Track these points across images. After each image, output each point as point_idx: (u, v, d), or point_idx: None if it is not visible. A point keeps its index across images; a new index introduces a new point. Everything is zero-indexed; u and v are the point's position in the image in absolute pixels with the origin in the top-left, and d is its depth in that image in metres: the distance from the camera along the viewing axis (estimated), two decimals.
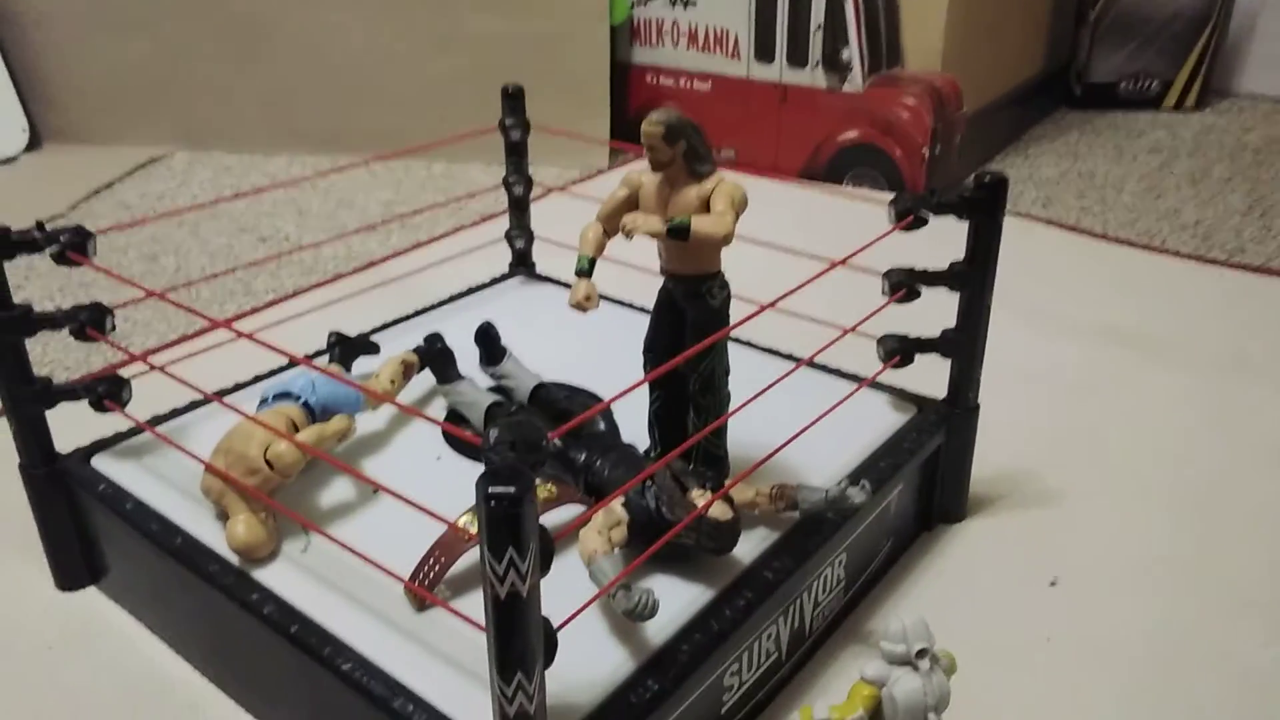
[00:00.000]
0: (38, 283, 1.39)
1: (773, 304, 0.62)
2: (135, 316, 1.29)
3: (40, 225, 0.70)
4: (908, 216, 0.75)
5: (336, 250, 1.51)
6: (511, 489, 0.40)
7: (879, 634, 0.58)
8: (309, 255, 1.49)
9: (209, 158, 1.93)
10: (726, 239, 0.60)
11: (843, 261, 0.68)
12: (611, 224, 0.65)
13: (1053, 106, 2.24)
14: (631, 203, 0.65)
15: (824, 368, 0.90)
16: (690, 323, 0.67)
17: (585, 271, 0.64)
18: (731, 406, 0.70)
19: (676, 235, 0.59)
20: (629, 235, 0.60)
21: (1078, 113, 2.22)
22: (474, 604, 0.61)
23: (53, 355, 1.17)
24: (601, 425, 0.75)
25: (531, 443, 0.45)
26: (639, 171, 0.65)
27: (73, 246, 0.70)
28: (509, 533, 0.41)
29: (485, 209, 1.65)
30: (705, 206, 0.61)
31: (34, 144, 1.97)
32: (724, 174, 0.63)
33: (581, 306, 0.64)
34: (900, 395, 0.86)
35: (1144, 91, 2.20)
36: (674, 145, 0.61)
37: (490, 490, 0.40)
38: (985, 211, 0.75)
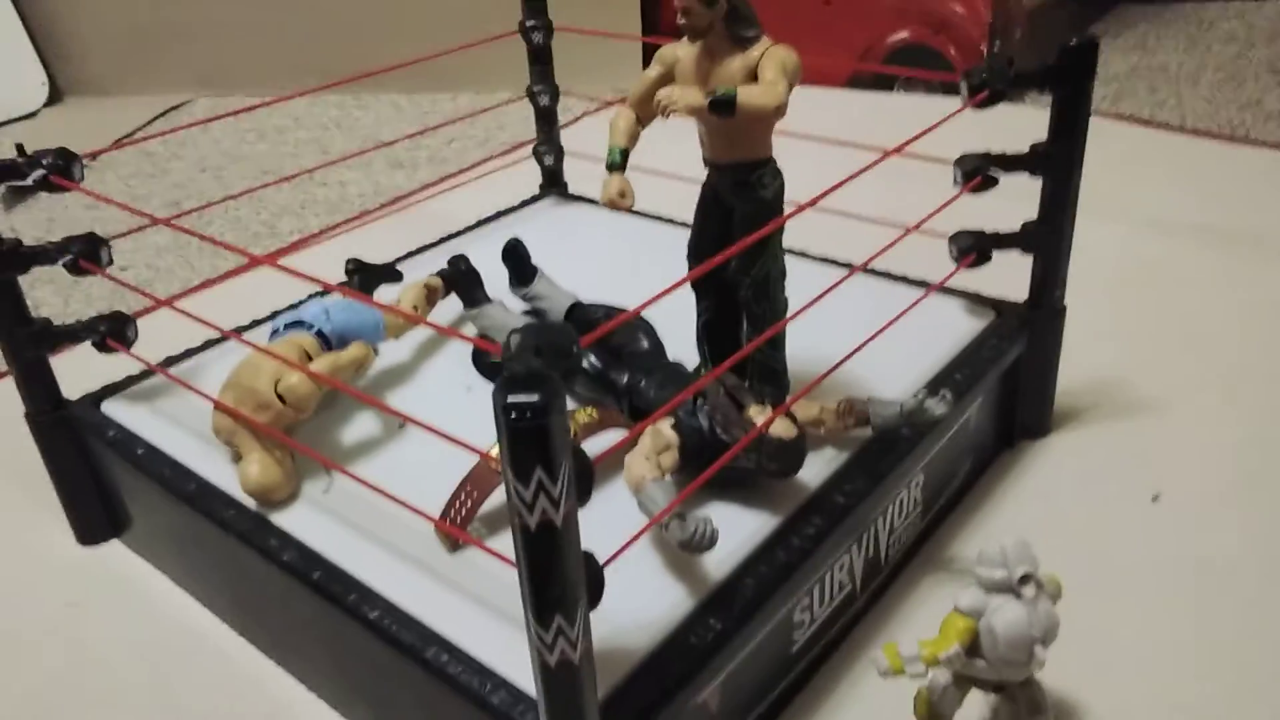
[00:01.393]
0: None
1: (830, 191, 0.53)
2: (158, 264, 1.24)
3: (20, 149, 0.64)
4: (981, 91, 0.65)
5: (363, 188, 1.44)
6: (534, 397, 0.33)
7: (972, 559, 0.51)
8: (334, 193, 1.43)
9: (230, 103, 1.87)
10: (779, 111, 0.51)
11: (906, 145, 0.59)
12: (645, 109, 0.57)
13: (1115, 1, 2.09)
14: (666, 81, 0.57)
15: (889, 274, 0.82)
16: (739, 219, 0.59)
17: (617, 165, 0.57)
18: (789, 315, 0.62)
19: (720, 109, 0.51)
20: (665, 113, 0.52)
21: (1142, 5, 2.07)
22: (510, 542, 0.56)
23: (74, 309, 1.13)
24: (645, 343, 0.68)
25: (560, 348, 0.38)
26: (673, 45, 0.57)
27: (57, 170, 0.63)
28: (534, 450, 0.34)
29: (514, 137, 1.57)
30: (752, 78, 0.53)
31: (54, 98, 1.93)
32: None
33: (615, 204, 0.56)
34: (975, 299, 0.78)
35: None
36: (713, 7, 0.52)
37: (509, 400, 0.33)
38: (1073, 82, 0.65)
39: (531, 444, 0.34)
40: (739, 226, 0.58)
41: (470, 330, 0.78)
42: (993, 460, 0.78)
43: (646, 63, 0.59)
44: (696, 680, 0.50)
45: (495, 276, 0.80)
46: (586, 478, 0.39)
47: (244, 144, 1.66)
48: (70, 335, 0.69)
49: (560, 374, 0.36)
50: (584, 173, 1.04)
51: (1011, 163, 0.68)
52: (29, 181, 0.63)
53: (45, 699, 0.63)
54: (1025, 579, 0.49)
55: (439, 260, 0.82)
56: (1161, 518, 0.71)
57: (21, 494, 0.82)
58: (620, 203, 0.56)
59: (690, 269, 0.63)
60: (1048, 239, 0.71)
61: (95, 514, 0.75)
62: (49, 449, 0.72)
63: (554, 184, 1.04)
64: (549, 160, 1.01)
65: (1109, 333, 0.92)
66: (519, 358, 0.37)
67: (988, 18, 1.54)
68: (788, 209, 0.58)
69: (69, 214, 1.40)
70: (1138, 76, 1.66)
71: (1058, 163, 0.68)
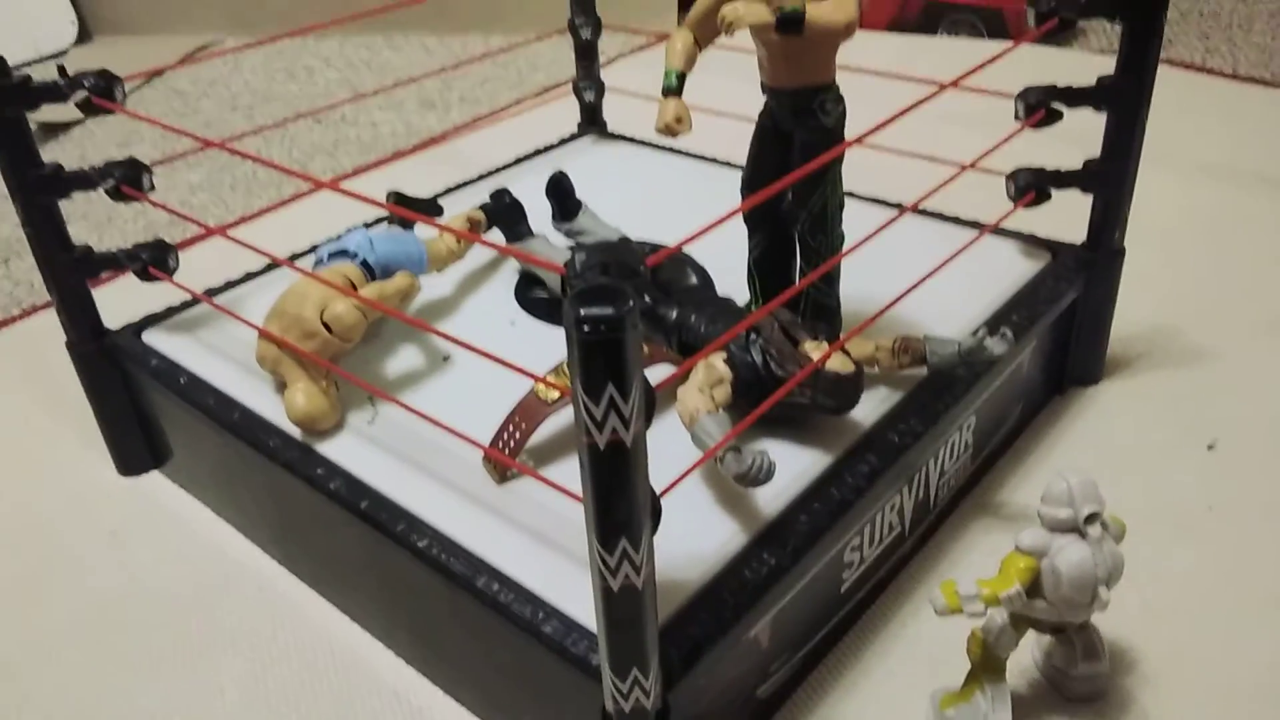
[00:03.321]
0: None
1: (890, 121, 0.51)
2: (191, 201, 1.23)
3: (62, 69, 0.62)
4: (1050, 19, 0.63)
5: (395, 128, 1.42)
6: (609, 310, 0.32)
7: (1023, 504, 0.50)
8: (367, 134, 1.41)
9: (258, 39, 1.84)
10: (849, 29, 0.49)
11: (964, 78, 0.56)
12: (704, 30, 0.55)
13: None
14: None
15: (944, 215, 0.79)
16: (798, 147, 0.57)
17: (674, 89, 0.55)
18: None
19: (787, 28, 0.48)
20: (729, 30, 0.50)
21: None
22: (560, 473, 0.55)
23: (109, 244, 1.12)
24: (693, 279, 0.66)
25: (628, 266, 0.36)
26: None
27: (99, 92, 0.62)
28: (608, 366, 0.33)
29: (548, 78, 1.54)
30: None
31: (84, 37, 1.91)
32: None
33: (672, 130, 0.54)
34: (1031, 240, 0.75)
35: None
36: None
37: (583, 313, 0.32)
38: (1144, 10, 0.63)
39: (605, 359, 0.33)
40: (798, 155, 0.57)
41: (512, 265, 0.77)
42: (1043, 407, 0.76)
43: (684, 1, 0.56)
44: (750, 615, 0.49)
45: (536, 214, 0.78)
46: (650, 402, 0.38)
47: (274, 84, 1.64)
48: (112, 262, 0.68)
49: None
50: (622, 114, 1.02)
51: (1077, 96, 0.66)
52: (71, 104, 0.62)
53: (89, 625, 0.64)
54: (1091, 518, 0.48)
55: (477, 197, 0.81)
56: (1218, 465, 0.70)
57: (62, 424, 0.82)
58: (677, 128, 0.54)
59: (744, 201, 0.61)
60: (1111, 177, 0.69)
61: (136, 445, 0.75)
62: (90, 379, 0.72)
63: (593, 122, 1.02)
64: (589, 96, 0.99)
65: (1161, 280, 0.89)
66: (586, 275, 0.36)
67: None
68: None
69: (100, 151, 1.39)
70: (1188, 22, 1.61)
71: (1126, 96, 0.66)
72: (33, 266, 1.03)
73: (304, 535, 0.64)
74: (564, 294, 0.68)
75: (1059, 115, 0.66)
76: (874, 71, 0.78)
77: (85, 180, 0.65)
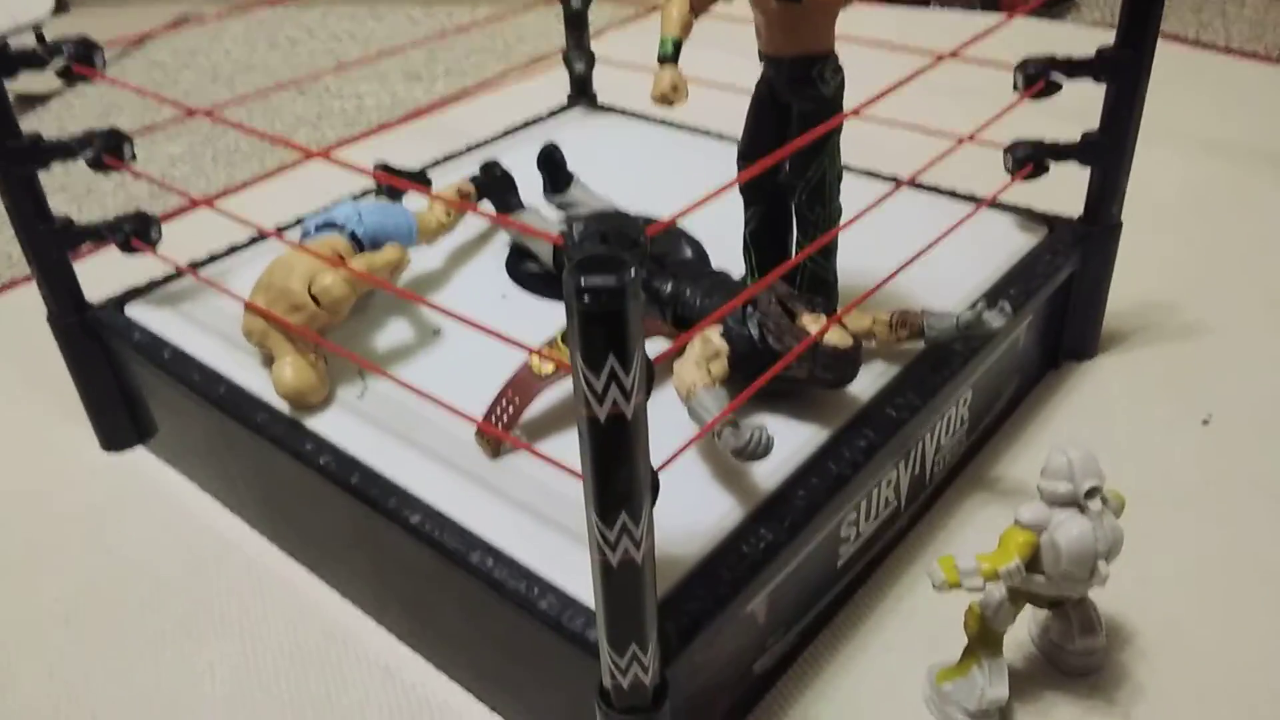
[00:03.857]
0: None
1: (890, 90, 0.50)
2: (172, 173, 1.21)
3: (40, 36, 0.60)
4: None
5: (380, 100, 1.40)
6: (611, 279, 0.31)
7: (1019, 479, 0.49)
8: (351, 106, 1.39)
9: (240, 12, 1.81)
10: None
11: (964, 48, 0.56)
12: None
13: None
14: None
15: (940, 189, 0.79)
16: (796, 116, 0.56)
17: (670, 57, 0.54)
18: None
19: None
20: None
21: None
22: (554, 448, 0.54)
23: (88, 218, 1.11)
24: (688, 252, 0.65)
25: (627, 236, 0.35)
26: None
27: (78, 58, 0.60)
28: (610, 337, 0.32)
29: (536, 50, 1.52)
30: None
31: (62, 7, 1.87)
32: None
33: (667, 99, 0.53)
34: (1027, 214, 0.75)
35: None
36: None
37: (584, 282, 0.31)
38: None
39: (606, 330, 0.32)
40: (796, 126, 0.56)
41: (503, 238, 0.76)
42: (1037, 382, 0.76)
43: None
44: (747, 590, 0.48)
45: (526, 187, 0.77)
46: (650, 375, 0.37)
47: (256, 54, 1.61)
48: (93, 234, 0.67)
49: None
50: (612, 85, 1.00)
51: (1076, 67, 0.65)
52: (50, 70, 0.60)
53: (74, 603, 0.63)
54: (1092, 492, 0.47)
55: (465, 170, 0.80)
56: (1213, 440, 0.70)
57: (45, 400, 0.80)
58: (673, 97, 0.53)
59: (740, 173, 0.60)
60: (1110, 149, 0.68)
61: (120, 420, 0.73)
62: (72, 354, 0.71)
63: (583, 93, 1.00)
64: (579, 67, 0.97)
65: (1156, 255, 0.89)
66: (584, 245, 0.35)
67: None
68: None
69: (81, 123, 1.37)
70: None
71: (1126, 68, 0.65)
72: (11, 239, 1.01)
73: (293, 511, 0.63)
74: (557, 266, 0.67)
75: (1058, 87, 0.65)
76: (870, 42, 0.77)
77: (65, 150, 0.64)
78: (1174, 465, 0.67)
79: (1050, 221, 0.74)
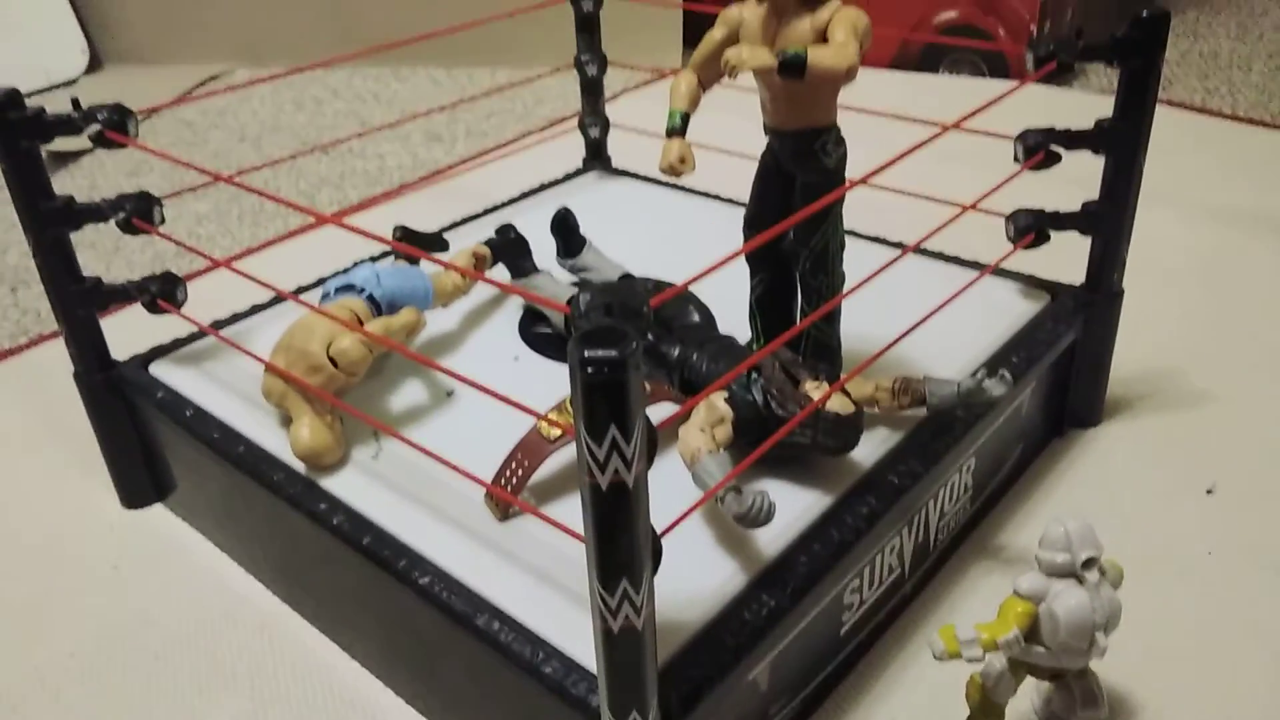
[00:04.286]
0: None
1: (894, 162, 0.52)
2: (199, 231, 1.24)
3: (76, 103, 0.63)
4: (1049, 63, 0.64)
5: (401, 161, 1.44)
6: (613, 352, 0.33)
7: (1023, 546, 0.50)
8: (374, 166, 1.42)
9: (269, 74, 1.87)
10: (850, 73, 0.50)
11: (966, 120, 0.57)
12: (707, 72, 0.56)
13: None
14: (730, 42, 0.55)
15: (944, 255, 0.80)
16: (800, 188, 0.58)
17: (678, 129, 0.56)
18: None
19: (789, 71, 0.49)
20: (732, 73, 0.51)
21: None
22: (562, 511, 0.55)
23: (116, 274, 1.13)
24: (696, 317, 0.67)
25: (631, 308, 0.37)
26: (738, 6, 0.55)
27: (112, 125, 0.63)
28: (611, 407, 0.34)
29: (553, 113, 1.56)
30: (820, 39, 0.52)
31: (94, 66, 1.93)
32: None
33: (675, 170, 0.55)
34: (1030, 281, 0.76)
35: None
36: None
37: (586, 354, 0.33)
38: (1142, 54, 0.64)
39: (608, 401, 0.33)
40: (800, 196, 0.57)
41: (517, 300, 0.78)
42: (1043, 448, 0.76)
43: (687, 39, 0.57)
44: (749, 657, 0.49)
45: (540, 249, 0.79)
46: (652, 443, 0.38)
47: (282, 115, 1.66)
48: (121, 294, 0.69)
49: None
50: (626, 148, 1.03)
51: (1075, 139, 0.67)
52: (84, 136, 0.63)
53: (89, 659, 0.64)
54: (1089, 563, 0.48)
55: (482, 232, 0.82)
56: (1216, 510, 0.70)
57: (68, 455, 0.82)
58: (680, 168, 0.55)
59: (747, 241, 0.62)
60: (1109, 219, 0.69)
61: (140, 477, 0.75)
62: (97, 410, 0.72)
63: (598, 157, 1.03)
64: (594, 132, 1.00)
65: (1160, 322, 0.90)
66: (589, 316, 0.36)
67: None
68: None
69: (109, 181, 1.41)
70: (1188, 63, 1.63)
71: (1124, 139, 0.66)
72: (40, 295, 1.04)
73: (306, 570, 0.64)
74: (568, 331, 0.68)
75: (1057, 158, 0.67)
76: (876, 112, 0.79)
77: (97, 213, 0.66)
78: (1178, 535, 0.68)
79: (1053, 289, 0.75)
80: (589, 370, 0.33)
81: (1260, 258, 1.02)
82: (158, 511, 0.76)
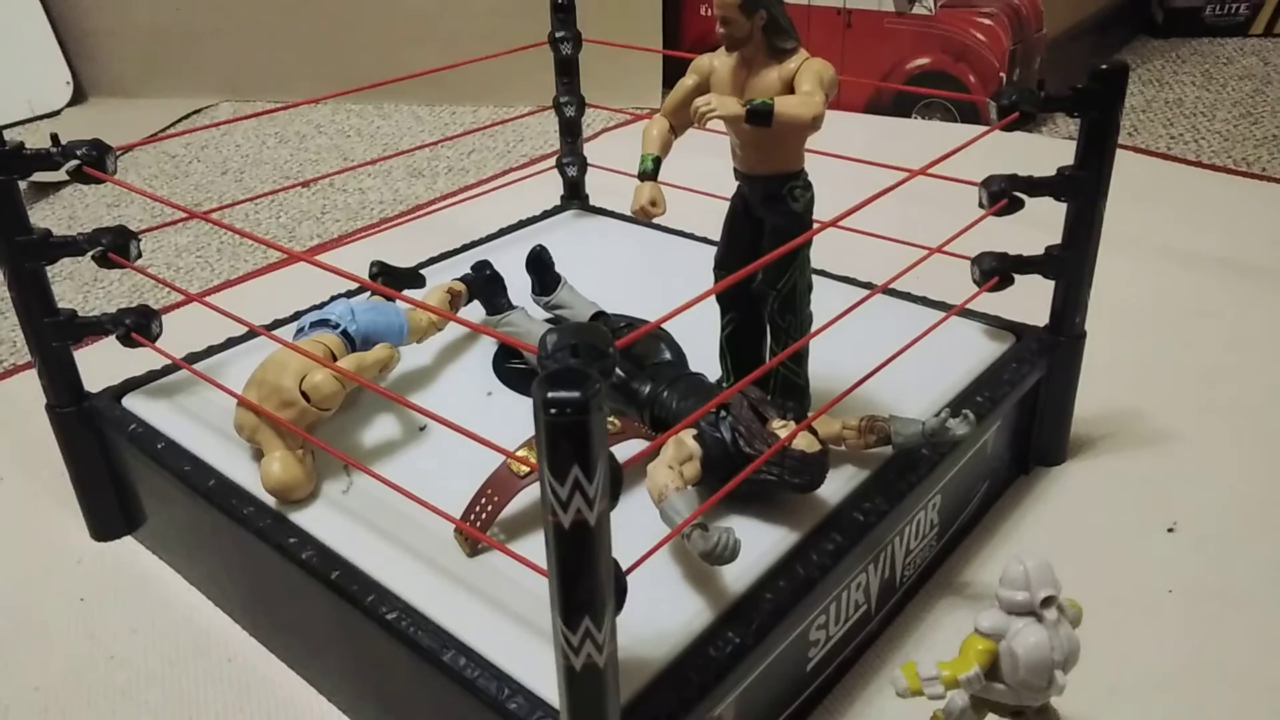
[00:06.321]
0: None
1: (860, 206, 0.53)
2: (178, 264, 1.24)
3: (55, 138, 0.64)
4: (1012, 113, 0.66)
5: (383, 195, 1.45)
6: (576, 393, 0.34)
7: (989, 583, 0.51)
8: (354, 200, 1.43)
9: (253, 108, 1.88)
10: (816, 122, 0.51)
11: (933, 165, 0.59)
12: (679, 117, 0.58)
13: (1132, 35, 2.10)
14: (701, 90, 0.57)
15: (911, 296, 0.82)
16: (769, 231, 0.59)
17: (649, 173, 0.57)
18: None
19: (757, 120, 0.51)
20: (701, 121, 0.52)
21: (1160, 41, 2.08)
22: (530, 548, 0.56)
23: (93, 305, 1.13)
24: (667, 354, 0.68)
25: (596, 349, 0.38)
26: (709, 55, 0.57)
27: (90, 161, 0.64)
28: (573, 448, 0.34)
29: (533, 150, 1.58)
30: (788, 89, 0.53)
31: (78, 98, 1.94)
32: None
33: (646, 213, 0.56)
34: (996, 322, 0.78)
35: (1231, 16, 2.05)
36: (752, 16, 0.53)
37: (549, 396, 0.34)
38: (1101, 106, 0.66)
39: (570, 441, 0.34)
40: (769, 239, 0.59)
41: (491, 338, 0.78)
42: (1008, 486, 0.78)
43: (667, 79, 0.59)
44: (714, 693, 0.49)
45: (516, 286, 0.80)
46: (617, 481, 0.39)
47: (265, 148, 1.67)
48: (95, 327, 0.69)
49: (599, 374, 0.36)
50: (604, 186, 1.04)
51: (1037, 186, 0.69)
52: (62, 172, 0.64)
53: (55, 693, 0.63)
54: (1048, 601, 0.49)
55: (460, 268, 0.83)
56: (1177, 547, 0.71)
57: (38, 486, 0.82)
58: (651, 211, 0.56)
59: (717, 281, 0.63)
60: (1071, 264, 0.71)
61: (111, 509, 0.75)
62: (69, 442, 0.72)
63: (575, 196, 1.04)
64: (572, 171, 1.02)
65: (1124, 363, 0.92)
66: (555, 357, 0.37)
67: (1008, 46, 1.55)
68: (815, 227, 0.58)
69: (90, 212, 1.41)
70: (1154, 110, 1.67)
71: (1084, 186, 0.68)
72: (14, 325, 1.04)
73: (275, 604, 0.64)
74: (541, 367, 0.69)
75: (1021, 204, 0.69)
76: (847, 157, 0.81)
77: (73, 247, 0.67)
78: (1140, 573, 0.69)
79: (1018, 330, 0.77)
80: (552, 411, 0.34)
81: (1221, 300, 1.04)
82: (128, 544, 0.76)
